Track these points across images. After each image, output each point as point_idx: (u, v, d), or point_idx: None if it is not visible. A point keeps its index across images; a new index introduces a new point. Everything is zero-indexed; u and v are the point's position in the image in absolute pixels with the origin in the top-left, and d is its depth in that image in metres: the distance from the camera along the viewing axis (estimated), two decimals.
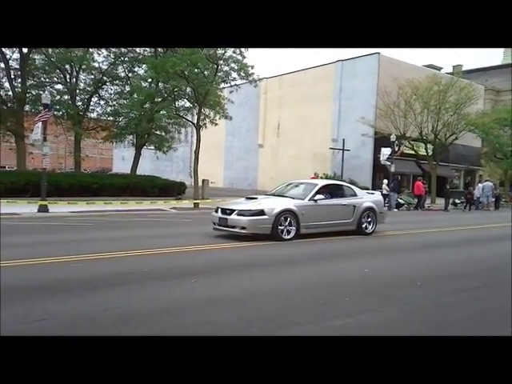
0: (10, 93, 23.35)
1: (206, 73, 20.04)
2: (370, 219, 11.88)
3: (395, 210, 22.45)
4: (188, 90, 21.57)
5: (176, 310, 5.02)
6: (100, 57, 25.49)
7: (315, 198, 10.98)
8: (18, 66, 23.34)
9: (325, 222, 11.03)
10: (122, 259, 7.82)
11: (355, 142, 31.06)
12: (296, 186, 12.22)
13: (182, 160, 45.35)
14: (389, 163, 24.08)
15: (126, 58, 25.71)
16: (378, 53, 31.10)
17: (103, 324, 4.49)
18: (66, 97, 24.97)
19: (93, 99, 26.24)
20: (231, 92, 23.11)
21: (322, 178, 25.56)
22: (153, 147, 26.77)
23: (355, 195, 12.01)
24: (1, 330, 4.02)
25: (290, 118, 36.38)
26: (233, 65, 20.08)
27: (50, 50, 23.31)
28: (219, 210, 10.89)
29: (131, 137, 26.66)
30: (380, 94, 29.47)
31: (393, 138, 24.39)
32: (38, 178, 17.24)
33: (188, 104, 24.35)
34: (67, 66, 24.52)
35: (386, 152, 24.37)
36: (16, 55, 23.23)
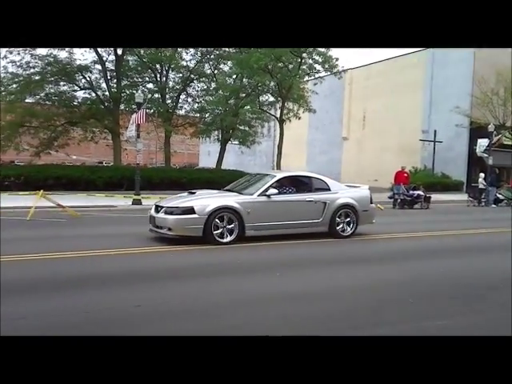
0: (107, 93, 25.05)
1: (289, 66, 19.96)
2: (348, 219, 9.75)
3: (493, 205, 20.81)
4: (271, 84, 21.65)
5: (261, 303, 5.05)
6: (188, 55, 26.53)
7: (267, 193, 9.04)
8: (113, 68, 24.98)
9: (281, 222, 9.12)
10: (206, 251, 8.05)
11: (448, 133, 29.23)
12: (252, 179, 10.49)
13: (265, 154, 45.76)
14: (486, 155, 22.36)
15: (212, 56, 26.42)
16: None
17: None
18: (156, 95, 26.29)
19: (181, 97, 27.32)
20: (315, 84, 22.84)
21: (410, 171, 24.40)
22: (237, 142, 27.33)
23: (328, 189, 9.80)
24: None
25: (377, 109, 35.13)
26: (317, 57, 19.80)
27: (141, 51, 24.67)
28: (153, 206, 9.33)
29: (217, 132, 27.41)
30: (476, 82, 27.40)
31: (491, 128, 22.58)
32: (132, 172, 18.37)
33: (271, 98, 24.46)
34: (158, 66, 25.76)
35: (482, 143, 22.64)
36: (112, 57, 24.89)
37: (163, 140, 28.51)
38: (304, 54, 19.70)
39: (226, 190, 9.99)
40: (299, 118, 23.75)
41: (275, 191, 9.13)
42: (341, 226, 9.67)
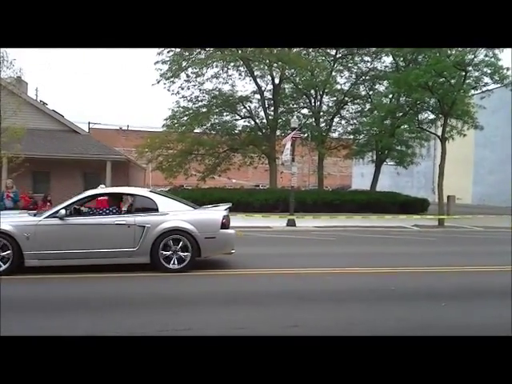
0: (265, 120, 26.50)
1: (452, 81, 18.55)
2: (178, 248, 7.68)
3: None
4: (432, 101, 20.36)
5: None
6: (342, 78, 26.69)
7: (58, 215, 7.40)
8: (271, 96, 26.37)
9: (79, 250, 7.41)
10: (363, 275, 7.75)
11: None
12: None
13: (424, 175, 43.03)
14: None
15: (367, 77, 26.13)
16: None
17: None
18: (310, 120, 26.90)
19: (334, 119, 27.51)
20: (482, 98, 20.78)
21: None
22: (393, 163, 26.26)
23: (154, 210, 7.85)
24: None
25: None
26: (485, 69, 18.03)
27: (297, 79, 25.63)
28: None
29: (370, 153, 26.79)
30: None
31: None
32: (287, 195, 18.92)
33: (432, 116, 23.00)
34: (312, 91, 26.41)
35: None
36: (269, 86, 26.34)
37: (316, 163, 28.89)
38: (469, 67, 18.12)
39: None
40: (464, 136, 21.76)
41: (63, 213, 7.47)
42: (167, 255, 7.65)
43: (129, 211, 8.13)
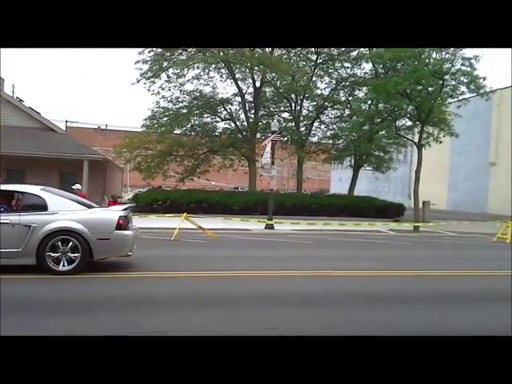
0: (245, 123, 26.52)
1: (429, 89, 18.93)
2: (68, 249, 7.26)
3: None
4: (410, 108, 20.75)
5: None
6: (322, 84, 26.94)
7: None
8: (252, 99, 26.42)
9: None
10: (341, 278, 7.82)
11: None
12: None
13: (401, 181, 43.74)
14: None
15: (347, 83, 26.43)
16: None
17: None
18: (290, 124, 27.05)
19: (314, 124, 27.72)
20: (458, 107, 21.28)
21: None
22: (371, 168, 26.63)
23: (43, 209, 7.44)
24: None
25: None
26: (462, 78, 18.46)
27: (278, 83, 25.74)
28: None
29: (349, 158, 27.10)
30: None
31: None
32: (266, 198, 18.96)
33: (409, 123, 23.44)
34: (293, 95, 26.56)
35: None
36: (251, 89, 26.37)
37: (295, 166, 29.03)
38: (446, 76, 18.52)
39: None
40: (440, 143, 22.25)
41: None
42: (55, 256, 7.22)
43: (16, 210, 7.65)
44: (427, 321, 5.45)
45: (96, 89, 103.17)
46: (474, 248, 13.75)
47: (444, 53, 18.20)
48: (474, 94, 20.03)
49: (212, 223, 15.36)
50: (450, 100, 21.45)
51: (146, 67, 23.72)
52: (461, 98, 20.37)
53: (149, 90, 24.66)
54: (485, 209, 34.06)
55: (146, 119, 25.42)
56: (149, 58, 23.75)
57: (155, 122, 25.29)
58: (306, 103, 27.29)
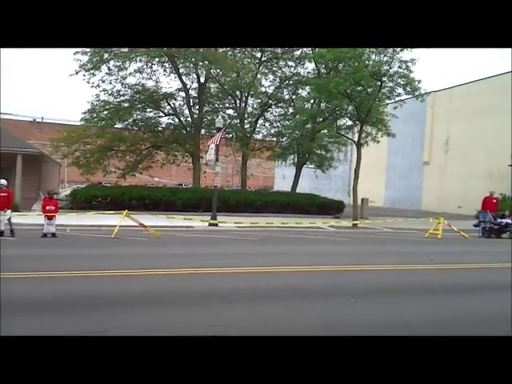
0: (189, 119, 26.23)
1: (369, 90, 19.64)
2: None
3: None
4: (350, 108, 21.43)
5: None
6: (267, 81, 27.19)
7: None
8: (196, 95, 26.17)
9: None
10: (284, 274, 7.96)
11: None
12: None
13: (341, 178, 45.08)
14: None
15: (291, 81, 26.84)
16: None
17: None
18: (235, 120, 27.09)
19: (259, 121, 27.96)
20: (395, 108, 22.27)
21: (497, 198, 22.68)
22: (313, 166, 27.27)
23: None
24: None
25: (461, 133, 33.34)
26: (399, 80, 19.30)
27: (222, 79, 25.67)
28: None
29: (293, 156, 27.57)
30: None
31: None
32: (210, 194, 18.89)
33: (349, 122, 24.20)
34: (238, 92, 26.61)
35: None
36: (195, 85, 26.11)
37: (240, 163, 29.14)
38: (384, 78, 19.29)
39: None
40: (378, 142, 23.19)
41: None
42: None
43: None
44: (364, 312, 5.67)
45: (31, 79, 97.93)
46: (408, 243, 14.45)
47: (382, 55, 18.94)
48: (410, 96, 21.00)
49: (154, 221, 15.09)
50: (387, 101, 22.38)
51: (85, 58, 22.82)
52: (397, 99, 21.29)
53: (88, 82, 23.75)
54: (419, 206, 35.86)
55: (85, 112, 24.50)
56: (88, 50, 22.85)
57: (95, 115, 24.42)
58: (250, 100, 27.52)
